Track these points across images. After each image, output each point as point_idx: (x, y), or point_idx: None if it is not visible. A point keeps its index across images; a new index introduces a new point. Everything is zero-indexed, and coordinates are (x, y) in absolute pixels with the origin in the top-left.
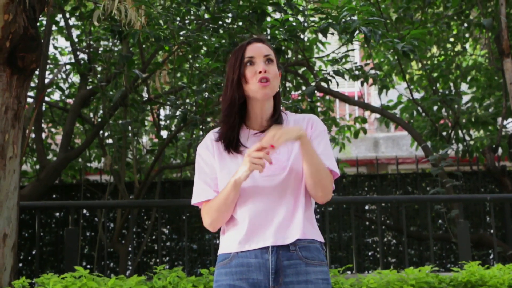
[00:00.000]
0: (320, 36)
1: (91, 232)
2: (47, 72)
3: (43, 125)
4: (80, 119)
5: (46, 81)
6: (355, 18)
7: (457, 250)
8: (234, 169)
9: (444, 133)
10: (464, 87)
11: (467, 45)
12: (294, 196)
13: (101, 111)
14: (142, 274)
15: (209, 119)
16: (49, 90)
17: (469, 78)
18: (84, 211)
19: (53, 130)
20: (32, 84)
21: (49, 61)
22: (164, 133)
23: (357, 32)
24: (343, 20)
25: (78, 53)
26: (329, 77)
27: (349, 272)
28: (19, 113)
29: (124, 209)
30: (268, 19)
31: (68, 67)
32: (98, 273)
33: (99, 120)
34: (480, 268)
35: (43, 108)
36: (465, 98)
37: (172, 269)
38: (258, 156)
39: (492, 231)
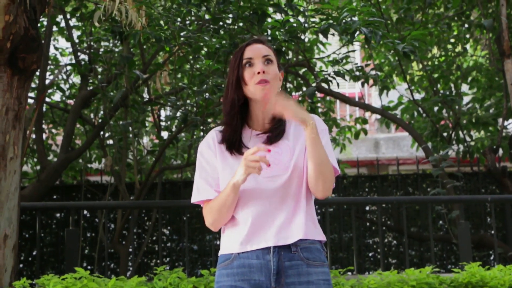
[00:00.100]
0: (321, 37)
1: (91, 233)
2: (47, 73)
3: (44, 126)
4: (80, 120)
5: (47, 82)
6: (355, 19)
7: (457, 251)
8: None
9: (445, 134)
10: (464, 88)
11: (467, 46)
12: (296, 197)
13: (101, 112)
14: (142, 275)
15: (209, 120)
16: (49, 91)
17: (469, 79)
18: (85, 212)
19: (53, 131)
20: (33, 85)
21: (49, 62)
22: (164, 134)
23: (357, 33)
24: (344, 21)
25: (78, 53)
26: (329, 78)
27: (349, 273)
28: (19, 114)
29: (125, 210)
30: (269, 20)
31: (68, 68)
32: (98, 274)
33: (100, 121)
34: (480, 269)
35: (44, 109)
36: (466, 99)
37: (173, 270)
38: (254, 159)
39: (492, 232)
